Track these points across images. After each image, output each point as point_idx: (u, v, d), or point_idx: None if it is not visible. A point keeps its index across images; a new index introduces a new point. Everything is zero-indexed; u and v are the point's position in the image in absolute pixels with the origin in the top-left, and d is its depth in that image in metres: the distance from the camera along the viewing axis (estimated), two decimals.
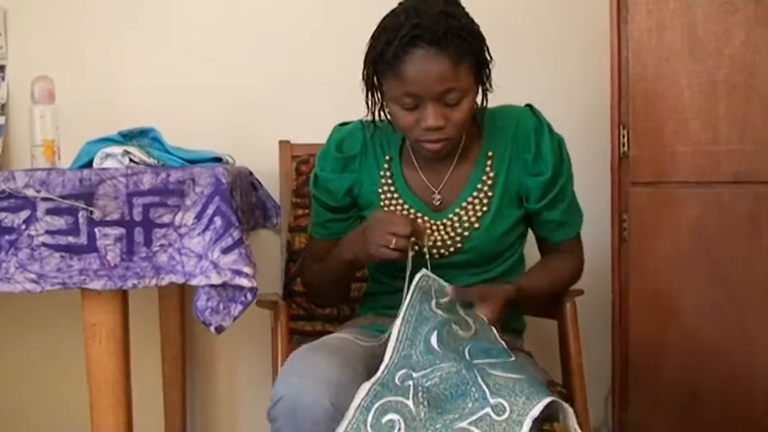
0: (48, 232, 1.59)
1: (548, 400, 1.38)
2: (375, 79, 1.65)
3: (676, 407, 2.01)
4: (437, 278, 1.62)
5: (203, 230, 1.60)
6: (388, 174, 1.77)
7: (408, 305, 1.55)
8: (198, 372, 2.47)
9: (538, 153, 1.71)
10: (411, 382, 1.43)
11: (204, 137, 2.28)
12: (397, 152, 1.78)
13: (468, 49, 1.57)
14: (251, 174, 2.20)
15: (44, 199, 1.59)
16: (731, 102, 1.91)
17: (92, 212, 1.59)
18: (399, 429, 1.37)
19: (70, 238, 1.59)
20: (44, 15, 2.34)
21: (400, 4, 1.62)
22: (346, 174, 1.80)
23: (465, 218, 1.73)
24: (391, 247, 1.57)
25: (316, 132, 2.04)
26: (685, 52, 1.94)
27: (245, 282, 1.59)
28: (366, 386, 1.43)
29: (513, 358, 1.50)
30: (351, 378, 1.47)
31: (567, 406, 1.44)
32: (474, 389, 1.39)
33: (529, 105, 1.77)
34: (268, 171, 2.28)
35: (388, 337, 1.52)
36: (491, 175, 1.73)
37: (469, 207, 1.73)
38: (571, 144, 1.78)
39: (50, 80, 1.95)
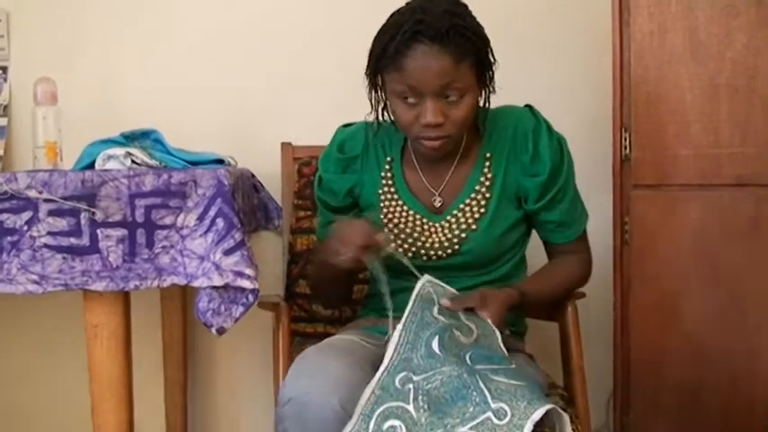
0: (50, 233, 1.59)
1: (548, 406, 1.38)
2: (378, 75, 1.65)
3: (677, 410, 2.01)
4: (439, 283, 1.62)
5: (205, 232, 1.60)
6: (388, 175, 1.78)
7: (410, 312, 1.55)
8: (199, 373, 2.47)
9: (536, 153, 1.71)
10: (411, 386, 1.42)
11: (206, 138, 2.28)
12: (399, 153, 1.79)
13: (471, 48, 1.57)
14: (253, 175, 2.20)
15: (46, 200, 1.59)
16: (733, 105, 1.91)
17: (94, 214, 1.59)
18: None
19: (72, 240, 1.59)
20: (46, 17, 2.34)
21: (407, 3, 1.63)
22: (348, 174, 1.80)
23: (462, 220, 1.73)
24: (341, 257, 1.57)
25: (318, 134, 2.04)
26: (687, 55, 1.94)
27: (246, 283, 1.59)
28: (367, 391, 1.43)
29: (514, 365, 1.50)
30: (359, 379, 1.47)
31: (564, 414, 1.44)
32: (475, 393, 1.39)
33: (528, 106, 1.77)
34: (270, 173, 2.28)
35: (389, 339, 1.52)
36: (489, 176, 1.73)
37: (467, 209, 1.73)
38: (572, 147, 1.78)
39: (53, 82, 1.95)
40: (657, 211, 2.00)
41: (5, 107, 2.31)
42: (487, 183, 1.73)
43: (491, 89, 1.68)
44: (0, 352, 2.42)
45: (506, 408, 1.37)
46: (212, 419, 2.50)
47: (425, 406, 1.40)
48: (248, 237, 1.70)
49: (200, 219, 1.61)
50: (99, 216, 1.59)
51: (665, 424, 2.02)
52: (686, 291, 1.99)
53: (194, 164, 1.89)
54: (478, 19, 1.63)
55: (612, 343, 2.07)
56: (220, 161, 1.97)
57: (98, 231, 1.59)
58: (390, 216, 1.76)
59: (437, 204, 1.76)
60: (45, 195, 1.59)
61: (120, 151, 1.84)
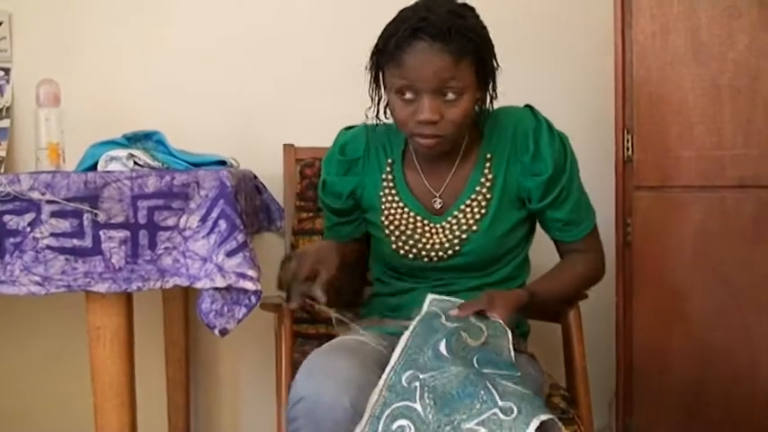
0: (52, 235, 1.59)
1: (551, 415, 1.38)
2: (379, 70, 1.66)
3: (680, 410, 2.01)
4: (445, 298, 1.63)
5: (208, 233, 1.60)
6: (389, 177, 1.78)
7: (416, 324, 1.56)
8: (201, 374, 2.47)
9: (537, 153, 1.71)
10: (417, 383, 1.43)
11: (208, 140, 2.28)
12: (400, 155, 1.79)
13: (471, 48, 1.57)
14: (255, 177, 2.20)
15: (49, 201, 1.59)
16: (735, 106, 1.91)
17: (96, 215, 1.59)
18: None
19: (75, 241, 1.59)
20: (49, 19, 2.35)
21: (416, 2, 1.64)
22: (349, 176, 1.81)
23: (463, 221, 1.73)
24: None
25: (320, 136, 2.04)
26: (689, 56, 1.94)
27: (249, 285, 1.59)
28: (375, 392, 1.44)
29: (519, 374, 1.50)
30: (369, 379, 1.48)
31: (560, 424, 1.44)
32: (483, 391, 1.39)
33: (528, 106, 1.77)
34: (272, 174, 2.28)
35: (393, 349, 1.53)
36: (489, 177, 1.73)
37: (468, 210, 1.73)
38: (574, 148, 1.78)
39: (55, 83, 1.96)
40: (660, 212, 2.00)
41: (8, 109, 2.32)
42: (488, 184, 1.73)
43: (493, 93, 1.68)
44: (3, 353, 2.42)
45: (513, 406, 1.37)
46: (214, 420, 2.50)
47: (432, 403, 1.40)
48: (251, 238, 1.70)
49: (203, 220, 1.61)
50: (102, 217, 1.60)
51: (668, 424, 2.02)
52: (688, 292, 1.99)
53: (197, 165, 1.89)
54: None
55: (615, 344, 2.07)
56: (223, 162, 1.98)
57: (101, 233, 1.59)
58: (391, 218, 1.76)
59: (438, 206, 1.76)
60: (48, 197, 1.59)
61: (122, 153, 1.84)
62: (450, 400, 1.39)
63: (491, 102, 1.69)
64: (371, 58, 1.66)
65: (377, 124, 1.75)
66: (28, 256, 1.59)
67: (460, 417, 1.37)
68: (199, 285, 1.61)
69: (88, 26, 2.36)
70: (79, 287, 1.61)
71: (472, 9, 1.64)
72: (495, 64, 1.65)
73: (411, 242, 1.74)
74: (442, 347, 1.49)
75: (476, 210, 1.73)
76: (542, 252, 1.87)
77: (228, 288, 1.60)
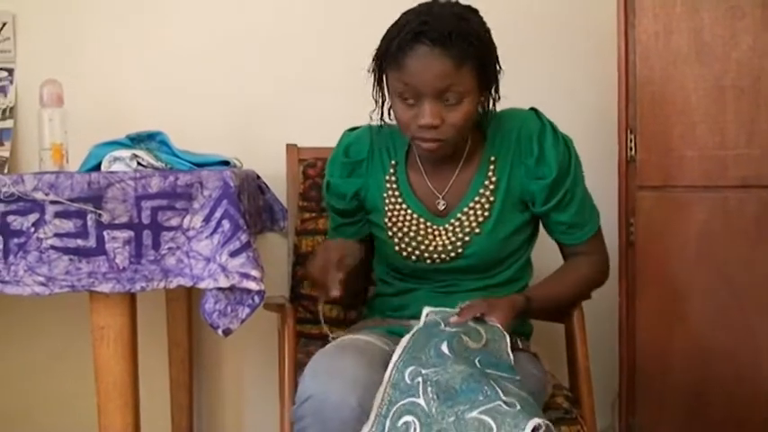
0: (56, 235, 1.59)
1: (547, 421, 1.38)
2: (381, 72, 1.66)
3: (683, 410, 2.01)
4: (443, 309, 1.64)
5: (211, 233, 1.60)
6: (393, 178, 1.78)
7: (416, 331, 1.57)
8: (205, 374, 2.48)
9: (541, 156, 1.71)
10: (420, 378, 1.43)
11: (211, 140, 2.28)
12: (403, 157, 1.79)
13: (473, 53, 1.57)
14: (258, 177, 2.20)
15: (53, 202, 1.59)
16: (738, 106, 1.91)
17: (100, 215, 1.59)
18: (415, 430, 1.38)
19: (79, 241, 1.60)
20: (53, 20, 2.35)
21: (420, 4, 1.64)
22: (353, 178, 1.81)
23: (466, 223, 1.73)
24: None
25: (323, 136, 2.05)
26: (692, 56, 1.94)
27: (252, 285, 1.59)
28: (380, 391, 1.45)
29: (519, 378, 1.50)
30: (376, 379, 1.48)
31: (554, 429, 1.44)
32: (486, 387, 1.39)
33: (533, 109, 1.77)
34: (275, 174, 2.28)
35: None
36: (493, 179, 1.73)
37: (471, 212, 1.73)
38: (577, 148, 1.78)
39: (59, 84, 1.96)
40: (662, 212, 2.00)
41: (11, 109, 2.32)
42: (492, 186, 1.73)
43: (496, 95, 1.68)
44: (6, 353, 2.42)
45: (516, 402, 1.37)
46: (218, 420, 2.50)
47: (435, 396, 1.40)
48: (254, 238, 1.70)
49: (207, 220, 1.61)
50: (105, 218, 1.60)
51: (670, 425, 2.02)
52: (691, 292, 1.99)
53: (200, 165, 1.89)
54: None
55: (618, 344, 2.07)
56: (226, 163, 1.97)
57: (104, 233, 1.60)
58: (395, 219, 1.76)
59: (441, 207, 1.76)
60: (52, 197, 1.59)
61: (125, 153, 1.84)
62: (454, 393, 1.40)
63: (494, 104, 1.69)
64: (374, 60, 1.66)
65: (381, 126, 1.75)
66: (32, 256, 1.59)
67: (464, 407, 1.37)
68: (202, 285, 1.61)
69: (92, 27, 2.36)
70: (83, 287, 1.61)
71: (475, 11, 1.63)
72: (498, 67, 1.65)
73: (414, 244, 1.75)
74: (444, 347, 1.49)
75: (479, 212, 1.73)
76: (546, 254, 1.87)
77: (232, 288, 1.60)
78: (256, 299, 1.62)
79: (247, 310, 1.63)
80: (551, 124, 1.74)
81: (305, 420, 1.50)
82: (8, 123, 2.31)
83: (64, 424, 2.42)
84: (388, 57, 1.60)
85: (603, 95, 2.22)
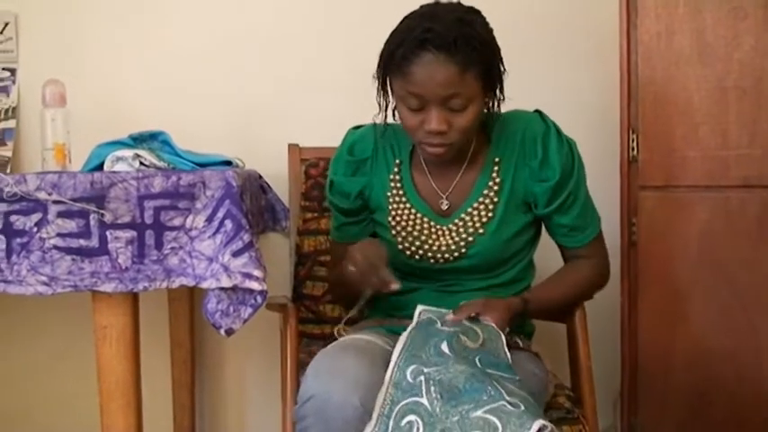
0: (59, 235, 1.59)
1: (550, 424, 1.38)
2: (386, 78, 1.66)
3: (685, 410, 2.01)
4: (437, 309, 1.64)
5: (214, 233, 1.61)
6: (397, 177, 1.78)
7: (412, 328, 1.57)
8: (207, 374, 2.48)
9: (545, 159, 1.71)
10: (422, 378, 1.43)
11: (213, 140, 2.28)
12: (408, 156, 1.79)
13: (478, 58, 1.57)
14: (260, 177, 2.20)
15: (55, 202, 1.59)
16: (741, 106, 1.91)
17: (103, 215, 1.60)
18: (418, 429, 1.38)
19: (81, 241, 1.60)
20: (55, 19, 2.35)
21: (421, 7, 1.63)
22: (357, 177, 1.81)
23: (470, 223, 1.73)
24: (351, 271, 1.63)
25: (325, 135, 2.05)
26: (695, 57, 1.94)
27: (255, 285, 1.59)
28: (382, 391, 1.45)
29: (518, 377, 1.50)
30: (378, 378, 1.48)
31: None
32: (490, 387, 1.39)
33: (537, 111, 1.77)
34: (277, 174, 2.28)
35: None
36: (497, 180, 1.73)
37: (474, 213, 1.73)
38: (579, 148, 1.78)
39: (61, 84, 1.96)
40: (665, 212, 2.00)
41: (14, 109, 2.32)
42: (495, 187, 1.73)
43: (501, 97, 1.67)
44: (9, 353, 2.42)
45: (520, 402, 1.37)
46: (220, 420, 2.50)
47: (438, 396, 1.40)
48: (256, 238, 1.70)
49: (209, 220, 1.61)
50: (108, 218, 1.60)
51: (673, 424, 2.02)
52: (693, 292, 1.99)
53: (202, 165, 1.89)
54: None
55: (620, 343, 2.07)
56: (228, 163, 1.98)
57: (107, 233, 1.60)
58: (398, 218, 1.76)
59: (445, 207, 1.76)
60: (54, 197, 1.59)
61: (128, 153, 1.84)
62: (458, 393, 1.40)
63: (498, 106, 1.69)
64: (378, 66, 1.66)
65: (386, 127, 1.75)
66: (35, 256, 1.60)
67: (468, 406, 1.37)
68: (205, 285, 1.61)
69: (94, 27, 2.36)
70: (86, 287, 1.61)
71: (478, 13, 1.63)
72: (503, 68, 1.65)
73: (417, 243, 1.75)
74: (444, 347, 1.50)
75: (483, 213, 1.73)
76: (547, 255, 1.87)
77: (234, 288, 1.60)
78: (259, 299, 1.62)
79: (250, 310, 1.63)
80: (556, 127, 1.74)
81: (307, 420, 1.50)
82: (11, 123, 2.31)
83: (65, 424, 2.42)
84: (393, 64, 1.60)
85: (605, 95, 2.23)
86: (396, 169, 1.79)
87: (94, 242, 1.60)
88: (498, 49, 1.63)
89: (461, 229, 1.73)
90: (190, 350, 2.37)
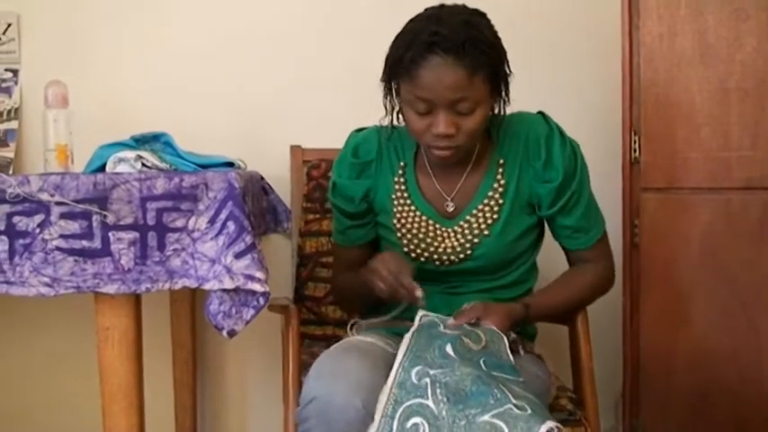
0: (62, 236, 1.59)
1: (557, 424, 1.38)
2: (392, 81, 1.66)
3: (687, 411, 2.01)
4: (436, 315, 1.64)
5: (216, 235, 1.61)
6: (401, 180, 1.78)
7: (415, 330, 1.57)
8: (208, 375, 2.48)
9: (548, 160, 1.71)
10: (428, 379, 1.43)
11: (215, 141, 2.28)
12: (412, 158, 1.79)
13: (485, 61, 1.57)
14: (262, 178, 2.20)
15: (58, 203, 1.59)
16: (743, 108, 1.91)
17: (105, 216, 1.60)
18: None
19: (84, 242, 1.60)
20: (57, 20, 2.35)
21: (426, 9, 1.63)
22: (362, 179, 1.80)
23: (475, 225, 1.73)
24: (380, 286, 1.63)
25: (327, 137, 2.05)
26: (697, 58, 1.95)
27: (257, 286, 1.60)
28: (385, 391, 1.44)
29: (522, 379, 1.50)
30: (380, 380, 1.48)
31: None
32: (496, 390, 1.39)
33: (541, 112, 1.77)
34: (279, 175, 2.28)
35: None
36: (502, 182, 1.73)
37: (480, 214, 1.73)
38: (582, 149, 1.78)
39: (64, 85, 1.96)
40: (667, 213, 2.00)
41: (16, 110, 2.32)
42: (500, 189, 1.73)
43: (506, 99, 1.67)
44: (10, 354, 2.42)
45: (526, 405, 1.37)
46: (222, 421, 2.50)
47: (444, 399, 1.40)
48: (258, 240, 1.70)
49: (212, 222, 1.61)
50: (111, 219, 1.60)
51: (674, 426, 2.03)
52: (695, 293, 1.99)
53: (204, 167, 1.89)
54: None
55: (622, 345, 2.07)
56: (230, 164, 1.98)
57: (110, 234, 1.60)
58: (403, 221, 1.76)
59: (449, 209, 1.76)
60: (57, 198, 1.59)
61: (130, 154, 1.84)
62: (464, 396, 1.39)
63: (504, 108, 1.69)
64: (385, 69, 1.65)
65: (392, 130, 1.74)
66: (37, 257, 1.60)
67: (475, 411, 1.37)
68: (207, 287, 1.61)
69: (96, 27, 2.37)
70: (88, 288, 1.61)
71: (484, 15, 1.62)
72: (509, 71, 1.64)
73: (423, 245, 1.75)
74: (449, 349, 1.50)
75: (488, 214, 1.73)
76: (550, 257, 1.87)
77: (237, 289, 1.61)
78: (261, 300, 1.62)
79: (252, 311, 1.63)
80: (559, 128, 1.74)
81: (309, 422, 1.50)
82: (13, 124, 2.31)
83: (67, 425, 2.42)
84: (400, 68, 1.60)
85: (607, 97, 2.23)
86: (400, 171, 1.78)
87: (97, 243, 1.60)
88: (505, 52, 1.63)
89: (466, 231, 1.73)
90: (191, 351, 2.37)
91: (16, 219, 1.60)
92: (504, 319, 1.64)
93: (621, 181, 2.04)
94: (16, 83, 2.33)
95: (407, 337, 1.55)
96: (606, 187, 2.03)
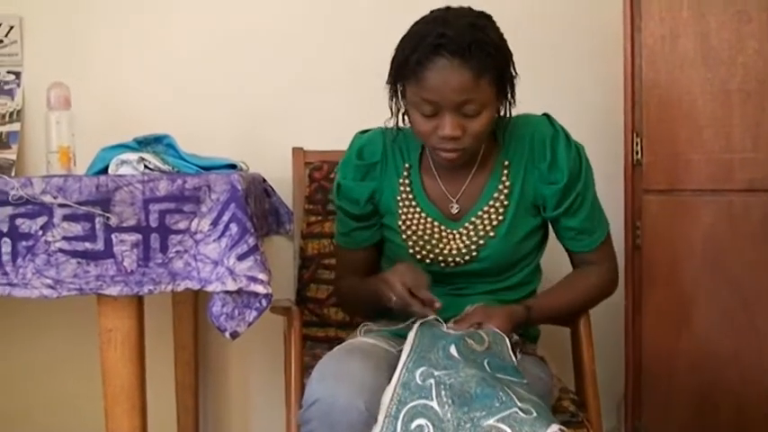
0: (64, 238, 1.59)
1: (562, 427, 1.38)
2: (398, 83, 1.66)
3: (689, 413, 2.01)
4: (436, 317, 1.63)
5: (219, 237, 1.61)
6: (406, 181, 1.78)
7: (417, 330, 1.57)
8: (210, 376, 2.48)
9: (553, 161, 1.71)
10: (432, 381, 1.42)
11: (218, 143, 2.28)
12: (417, 160, 1.79)
13: (491, 64, 1.57)
14: (264, 180, 2.20)
15: (61, 205, 1.59)
16: (744, 110, 1.91)
17: (108, 219, 1.60)
18: None
19: (87, 244, 1.60)
20: (60, 22, 2.35)
21: (432, 12, 1.63)
22: (367, 181, 1.80)
23: (480, 227, 1.73)
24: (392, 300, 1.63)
25: (329, 139, 2.05)
26: (699, 60, 1.95)
27: (260, 288, 1.60)
28: (389, 391, 1.44)
29: (526, 381, 1.50)
30: (383, 382, 1.48)
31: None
32: (501, 393, 1.39)
33: (546, 114, 1.77)
34: (281, 177, 2.28)
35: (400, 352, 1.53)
36: (507, 184, 1.73)
37: (485, 216, 1.73)
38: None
39: (66, 87, 1.96)
40: (669, 215, 2.01)
41: (18, 112, 2.32)
42: (505, 191, 1.73)
43: (512, 101, 1.67)
44: (12, 355, 2.42)
45: (531, 408, 1.37)
46: (224, 423, 2.50)
47: (449, 401, 1.39)
48: (261, 241, 1.70)
49: (214, 224, 1.61)
50: (113, 221, 1.60)
51: (677, 427, 2.03)
52: (697, 295, 1.99)
53: (207, 169, 1.89)
54: None
55: (624, 346, 2.07)
56: (233, 166, 1.98)
57: (112, 236, 1.60)
58: (408, 223, 1.76)
59: (455, 211, 1.76)
60: (60, 200, 1.59)
61: (133, 156, 1.84)
62: (469, 398, 1.39)
63: (508, 109, 1.69)
64: (391, 70, 1.65)
65: (397, 132, 1.74)
66: (40, 259, 1.60)
67: (480, 414, 1.37)
68: (210, 289, 1.61)
69: (99, 30, 2.37)
70: (91, 290, 1.61)
71: (489, 18, 1.63)
72: (514, 73, 1.65)
73: (428, 247, 1.75)
74: (453, 350, 1.49)
75: (493, 216, 1.73)
76: (554, 258, 1.87)
77: (239, 291, 1.61)
78: (264, 302, 1.62)
79: (254, 313, 1.63)
80: (564, 130, 1.74)
81: (312, 424, 1.50)
82: (15, 126, 2.31)
83: (68, 426, 2.42)
84: (406, 70, 1.60)
85: (609, 99, 2.23)
86: (405, 173, 1.79)
87: (100, 245, 1.60)
88: (511, 55, 1.63)
89: (472, 233, 1.73)
90: (194, 353, 2.37)
91: (19, 221, 1.60)
92: (506, 321, 1.64)
93: (623, 183, 2.05)
94: (18, 85, 2.34)
95: (411, 336, 1.55)
96: (608, 189, 2.02)
